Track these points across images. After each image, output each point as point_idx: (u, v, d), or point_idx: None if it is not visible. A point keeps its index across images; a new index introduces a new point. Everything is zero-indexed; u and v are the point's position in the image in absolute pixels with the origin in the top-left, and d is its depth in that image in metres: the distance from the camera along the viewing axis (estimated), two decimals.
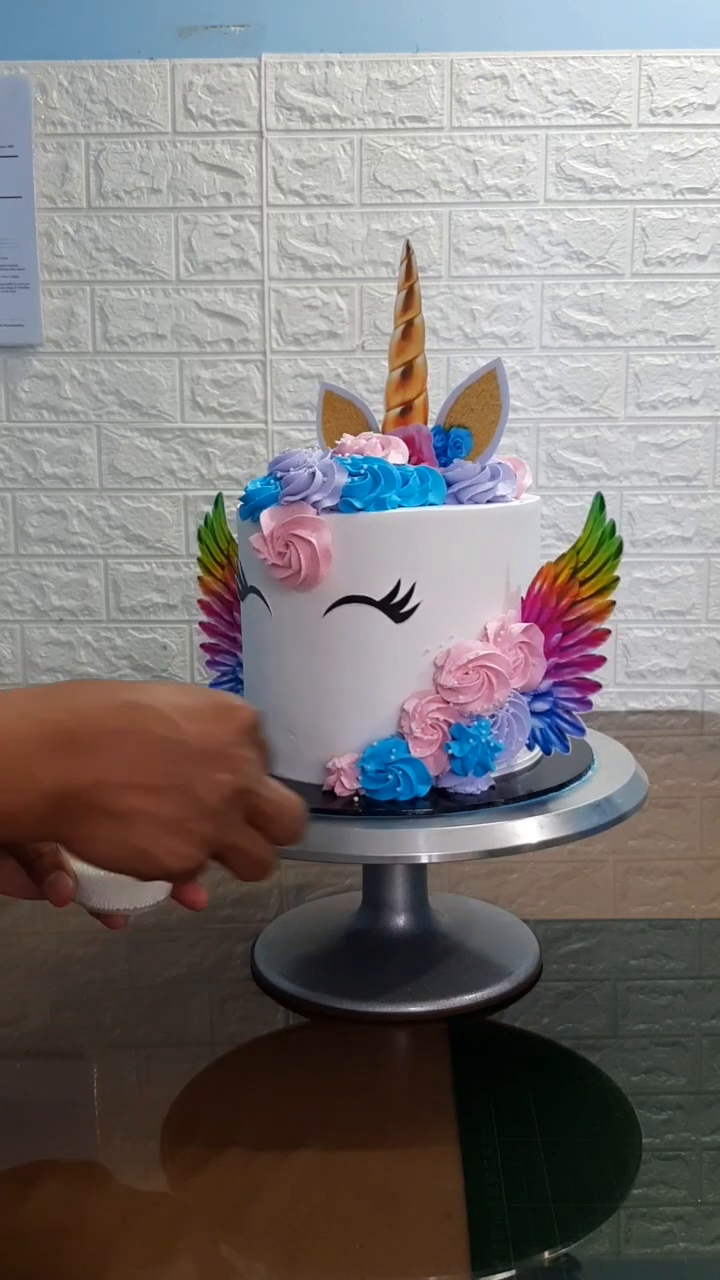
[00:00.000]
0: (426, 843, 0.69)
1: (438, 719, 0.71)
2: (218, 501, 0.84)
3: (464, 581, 0.73)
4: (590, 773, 0.76)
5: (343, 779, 0.72)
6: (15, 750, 0.47)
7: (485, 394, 0.79)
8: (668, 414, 1.48)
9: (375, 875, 0.83)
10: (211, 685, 0.86)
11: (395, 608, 0.71)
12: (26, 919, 0.95)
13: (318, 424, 0.87)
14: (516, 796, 0.72)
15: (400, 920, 0.82)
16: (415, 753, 0.71)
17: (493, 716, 0.72)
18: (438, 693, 0.71)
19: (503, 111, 1.42)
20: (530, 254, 1.45)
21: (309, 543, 0.69)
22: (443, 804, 0.71)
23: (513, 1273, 0.54)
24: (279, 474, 0.72)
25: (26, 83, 1.42)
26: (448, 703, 0.71)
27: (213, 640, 0.86)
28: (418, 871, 0.82)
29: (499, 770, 0.74)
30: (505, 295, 1.46)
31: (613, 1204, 0.58)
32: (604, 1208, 0.58)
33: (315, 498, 0.70)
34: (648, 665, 1.54)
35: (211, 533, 0.84)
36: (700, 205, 1.43)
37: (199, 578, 0.86)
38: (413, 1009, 0.75)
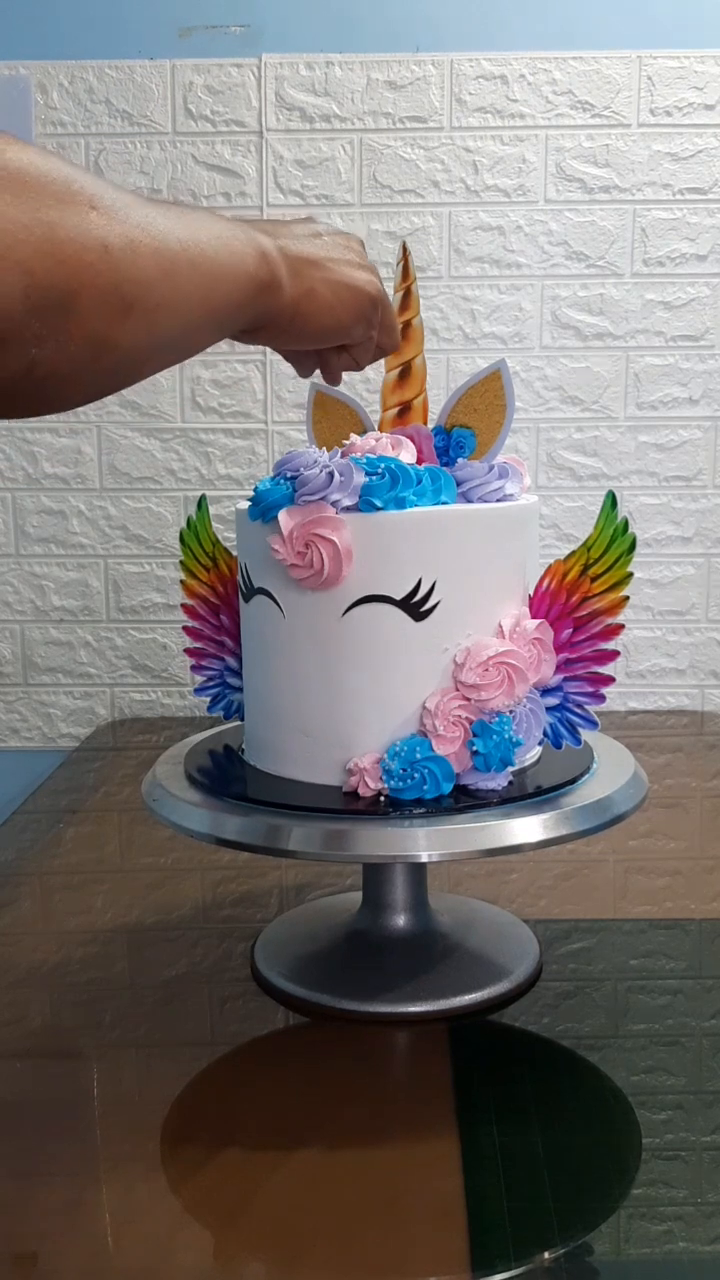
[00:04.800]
0: (426, 842, 0.69)
1: (459, 716, 0.71)
2: (201, 503, 0.83)
3: (481, 579, 0.73)
4: (590, 772, 0.76)
5: (366, 779, 0.72)
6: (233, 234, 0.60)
7: (490, 394, 0.79)
8: (668, 414, 1.48)
9: (375, 875, 0.83)
10: (198, 690, 0.85)
11: (415, 606, 0.71)
12: (26, 919, 0.95)
13: (308, 425, 0.87)
14: (517, 795, 0.72)
15: (400, 920, 0.82)
16: (439, 750, 0.71)
17: (511, 712, 0.72)
18: (459, 690, 0.71)
19: (502, 112, 1.42)
20: (530, 254, 1.45)
21: (331, 542, 0.69)
22: (443, 803, 0.71)
23: (513, 1273, 0.54)
24: (290, 474, 0.72)
25: (27, 83, 1.42)
26: (469, 700, 0.71)
27: (198, 644, 0.85)
28: (418, 871, 0.82)
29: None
30: (505, 295, 1.46)
31: (613, 1204, 0.58)
32: (604, 1208, 0.58)
33: (334, 497, 0.70)
34: (647, 665, 1.54)
35: (195, 535, 0.83)
36: (700, 205, 1.43)
37: (181, 581, 0.85)
38: (413, 1009, 0.75)
